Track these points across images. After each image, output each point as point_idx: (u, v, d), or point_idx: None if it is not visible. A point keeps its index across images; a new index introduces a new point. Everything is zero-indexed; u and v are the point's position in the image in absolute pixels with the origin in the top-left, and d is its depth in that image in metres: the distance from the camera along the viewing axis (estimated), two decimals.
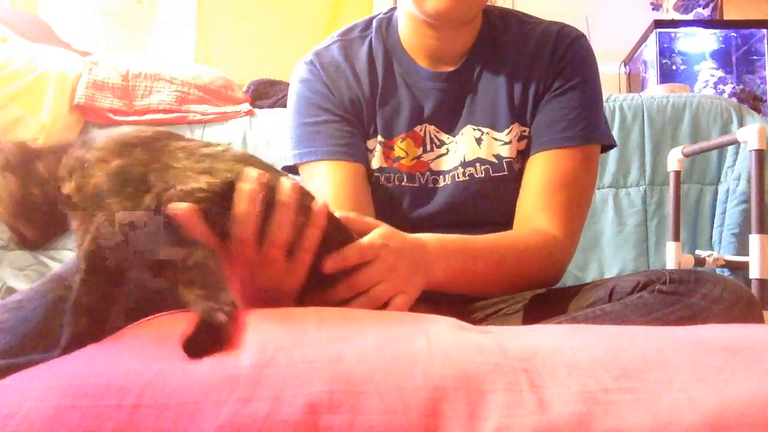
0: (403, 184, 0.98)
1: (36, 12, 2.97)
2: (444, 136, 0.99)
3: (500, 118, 0.97)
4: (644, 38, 3.36)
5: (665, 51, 3.32)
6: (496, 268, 0.84)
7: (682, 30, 3.37)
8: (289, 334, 0.47)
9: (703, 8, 3.35)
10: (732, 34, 3.40)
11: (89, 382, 0.38)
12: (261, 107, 2.27)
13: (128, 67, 2.19)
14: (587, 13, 3.37)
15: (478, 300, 0.95)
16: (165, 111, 2.15)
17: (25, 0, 2.92)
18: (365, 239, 0.65)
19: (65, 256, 2.02)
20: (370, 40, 1.01)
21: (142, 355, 0.42)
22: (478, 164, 0.97)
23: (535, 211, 0.93)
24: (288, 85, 2.48)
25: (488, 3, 0.99)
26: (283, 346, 0.43)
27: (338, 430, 0.36)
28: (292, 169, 1.01)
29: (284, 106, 2.29)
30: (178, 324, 0.52)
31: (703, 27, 3.38)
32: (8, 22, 2.32)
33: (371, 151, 0.99)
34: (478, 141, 0.98)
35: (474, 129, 0.98)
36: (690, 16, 3.37)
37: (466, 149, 0.98)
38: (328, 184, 0.93)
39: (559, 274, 0.94)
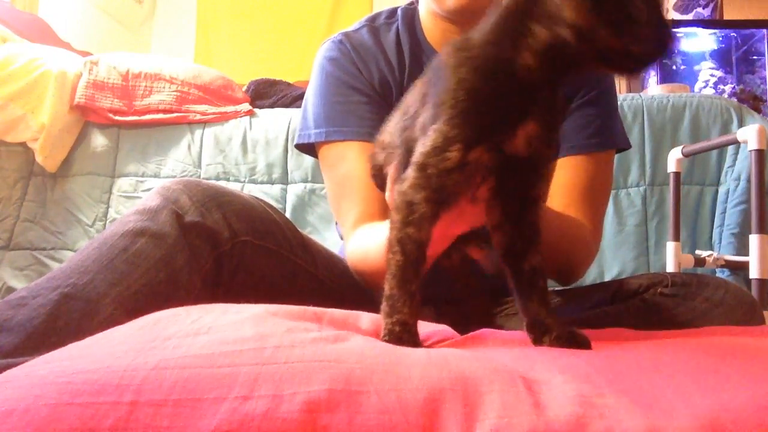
0: None
1: (36, 12, 2.97)
2: None
3: None
4: None
5: None
6: (559, 235, 0.85)
7: (682, 30, 3.37)
8: (289, 333, 0.47)
9: (703, 8, 3.35)
10: (732, 34, 3.40)
11: (87, 378, 0.38)
12: (261, 107, 2.27)
13: (128, 67, 2.19)
14: None
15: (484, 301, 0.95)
16: (165, 111, 2.15)
17: (25, 0, 2.92)
18: None
19: (65, 256, 2.02)
20: (397, 28, 1.01)
21: (139, 350, 0.42)
22: None
23: (565, 209, 0.94)
24: (288, 84, 2.50)
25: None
26: (283, 344, 0.43)
27: (336, 429, 0.36)
28: (306, 147, 1.00)
29: (284, 106, 2.31)
30: (177, 319, 0.52)
31: (703, 27, 3.38)
32: (8, 22, 2.32)
33: None
34: None
35: None
36: (690, 16, 3.37)
37: None
38: (362, 166, 0.92)
39: (587, 265, 0.95)
